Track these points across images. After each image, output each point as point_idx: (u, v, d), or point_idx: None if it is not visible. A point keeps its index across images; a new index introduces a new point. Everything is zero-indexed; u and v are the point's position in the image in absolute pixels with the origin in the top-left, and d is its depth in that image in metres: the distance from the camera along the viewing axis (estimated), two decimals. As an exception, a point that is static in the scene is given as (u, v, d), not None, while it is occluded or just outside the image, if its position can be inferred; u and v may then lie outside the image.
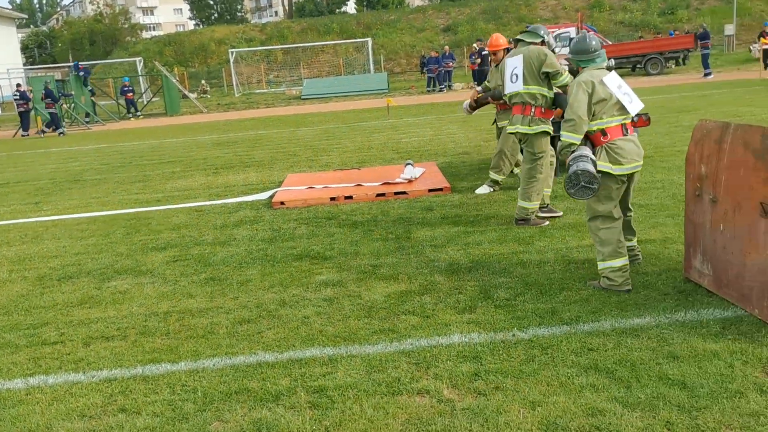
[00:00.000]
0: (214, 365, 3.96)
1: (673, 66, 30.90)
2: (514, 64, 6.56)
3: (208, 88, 41.90)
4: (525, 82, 6.41)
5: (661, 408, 3.13)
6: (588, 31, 28.41)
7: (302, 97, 33.88)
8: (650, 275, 4.89)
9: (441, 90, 30.85)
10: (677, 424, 3.00)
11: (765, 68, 25.41)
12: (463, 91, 29.30)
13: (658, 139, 11.06)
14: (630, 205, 5.03)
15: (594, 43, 4.82)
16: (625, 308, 4.33)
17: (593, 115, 4.65)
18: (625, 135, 4.67)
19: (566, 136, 4.68)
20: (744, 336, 3.78)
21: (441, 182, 8.70)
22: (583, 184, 4.44)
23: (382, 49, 44.67)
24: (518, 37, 6.75)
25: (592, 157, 4.55)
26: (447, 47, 33.21)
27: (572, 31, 30.20)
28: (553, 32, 31.03)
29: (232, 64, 40.17)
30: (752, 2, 42.53)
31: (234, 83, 40.11)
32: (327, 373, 3.75)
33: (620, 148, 4.61)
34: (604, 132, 4.66)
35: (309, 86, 34.92)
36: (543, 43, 6.61)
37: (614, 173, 4.61)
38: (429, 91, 31.11)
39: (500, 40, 8.00)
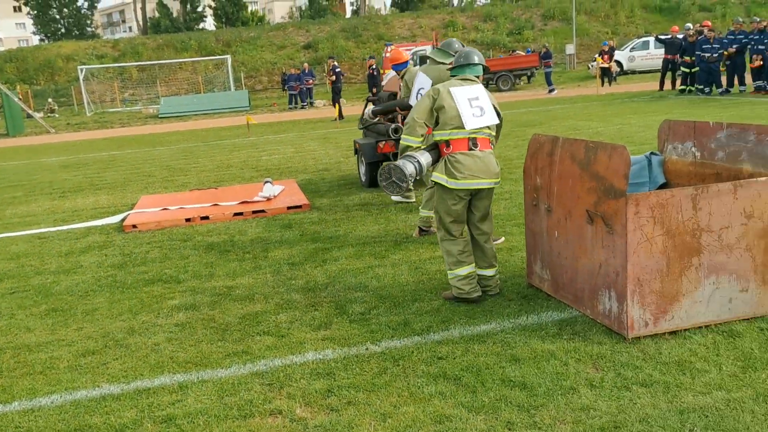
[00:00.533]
0: (52, 402, 3.71)
1: (522, 83, 32.76)
2: (422, 83, 6.42)
3: (56, 107, 39.43)
4: None
5: (503, 409, 3.28)
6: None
7: (160, 115, 32.72)
8: (497, 282, 5.12)
9: (303, 107, 30.88)
10: (517, 423, 3.16)
11: (602, 85, 27.55)
12: (324, 108, 29.48)
13: (507, 152, 11.67)
14: (482, 227, 4.80)
15: (473, 56, 4.80)
16: (473, 316, 4.51)
17: (439, 124, 4.67)
18: (471, 150, 4.61)
19: (403, 139, 4.81)
20: (578, 335, 4.05)
21: (300, 199, 8.69)
22: (393, 179, 4.55)
23: (242, 66, 44.05)
24: (428, 54, 6.73)
25: (422, 161, 4.62)
26: (306, 64, 33.24)
27: (428, 49, 31.37)
28: (409, 50, 32.16)
29: (82, 81, 38.07)
30: (590, 24, 45.96)
31: (85, 102, 38.02)
32: (176, 401, 3.62)
33: (459, 162, 4.57)
34: (448, 143, 4.65)
35: (167, 104, 33.79)
36: None
37: (448, 186, 4.60)
38: (291, 108, 31.04)
39: (403, 54, 8.10)
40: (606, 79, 28.03)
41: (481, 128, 4.64)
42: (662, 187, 5.08)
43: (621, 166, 3.82)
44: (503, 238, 6.28)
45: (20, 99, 32.68)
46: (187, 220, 8.04)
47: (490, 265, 4.84)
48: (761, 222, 3.97)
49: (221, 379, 3.85)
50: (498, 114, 4.82)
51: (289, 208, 8.35)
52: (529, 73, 31.85)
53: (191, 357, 4.18)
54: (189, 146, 18.07)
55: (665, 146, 5.13)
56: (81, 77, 38.05)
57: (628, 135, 12.49)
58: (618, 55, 33.17)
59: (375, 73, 25.49)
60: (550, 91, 27.27)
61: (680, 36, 20.79)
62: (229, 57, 40.01)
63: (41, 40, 65.20)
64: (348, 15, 65.09)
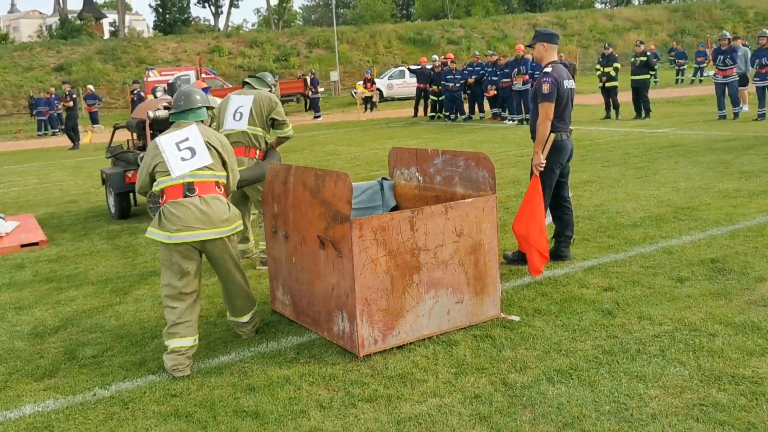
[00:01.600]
0: None
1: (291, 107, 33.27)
2: (241, 102, 6.13)
3: None
4: (250, 122, 5.99)
5: (233, 441, 3.26)
6: (207, 74, 28.69)
7: None
8: (241, 311, 5.10)
9: (54, 134, 28.48)
10: (245, 454, 3.16)
11: (364, 111, 28.92)
12: (82, 134, 27.42)
13: (267, 178, 11.71)
14: (228, 281, 4.38)
15: (196, 97, 4.34)
16: (213, 347, 4.44)
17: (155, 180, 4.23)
18: (186, 196, 4.07)
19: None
20: (314, 358, 4.16)
21: (37, 236, 7.97)
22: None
23: (-19, 88, 39.60)
24: (246, 80, 6.49)
25: None
26: (53, 89, 30.53)
27: (192, 75, 30.62)
28: (173, 74, 31.14)
29: None
30: (352, 53, 48.10)
31: None
32: None
33: (171, 213, 4.03)
34: (162, 193, 4.16)
35: None
36: (270, 91, 6.37)
37: (161, 240, 4.07)
38: (40, 135, 28.47)
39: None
40: (368, 106, 29.49)
41: (194, 171, 4.12)
42: (394, 209, 5.43)
43: (345, 192, 4.02)
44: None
45: None
46: None
47: (242, 313, 4.51)
48: (470, 239, 4.40)
49: None
50: (219, 153, 4.29)
51: (23, 245, 7.62)
52: (295, 99, 32.43)
53: None
54: None
55: (394, 171, 5.50)
56: None
57: (382, 159, 13.20)
58: (378, 83, 35.14)
59: (136, 98, 24.32)
60: (316, 116, 28.03)
61: (429, 66, 22.53)
62: (-37, 78, 35.67)
63: None
64: (107, 36, 61.38)
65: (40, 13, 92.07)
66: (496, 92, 19.20)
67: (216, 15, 66.19)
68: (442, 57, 22.66)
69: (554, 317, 4.54)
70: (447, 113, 20.86)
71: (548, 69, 5.49)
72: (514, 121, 18.29)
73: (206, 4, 65.99)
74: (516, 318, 4.54)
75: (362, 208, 5.36)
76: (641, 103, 16.80)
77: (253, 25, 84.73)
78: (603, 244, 6.15)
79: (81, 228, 8.69)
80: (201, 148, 4.20)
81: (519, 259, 5.69)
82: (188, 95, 4.37)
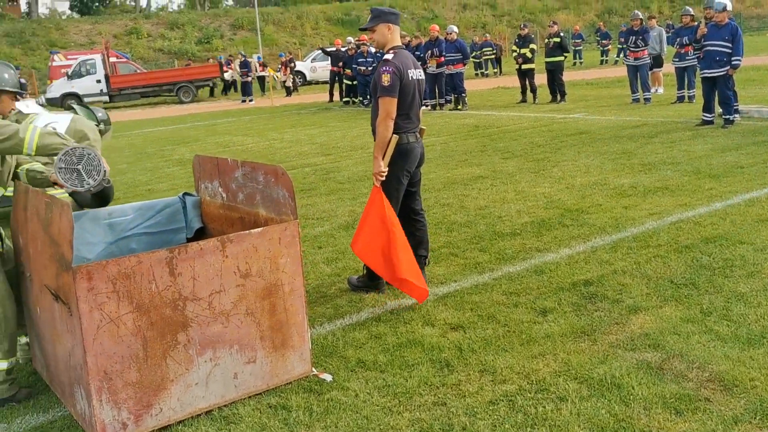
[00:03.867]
0: None
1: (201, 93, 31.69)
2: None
3: None
4: None
5: None
6: (118, 58, 26.83)
7: None
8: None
9: None
10: None
11: (286, 95, 27.61)
12: None
13: (138, 176, 10.48)
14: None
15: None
16: None
17: None
18: None
19: None
20: (41, 451, 3.11)
21: None
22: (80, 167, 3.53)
23: None
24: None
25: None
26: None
27: (98, 59, 28.65)
28: (75, 59, 29.12)
29: None
30: (278, 35, 46.43)
31: None
32: None
33: None
34: None
35: None
36: None
37: None
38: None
39: None
40: (288, 91, 28.20)
41: None
42: (199, 232, 4.38)
43: (67, 229, 2.95)
44: None
45: None
46: None
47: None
48: (261, 280, 3.39)
49: None
50: None
51: None
52: (211, 84, 30.81)
53: None
54: None
55: (200, 185, 4.44)
56: None
57: (274, 151, 12.08)
58: (301, 66, 33.78)
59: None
60: (245, 101, 26.67)
61: (344, 49, 21.38)
62: None
63: None
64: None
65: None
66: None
67: (138, -5, 63.19)
68: (356, 39, 21.52)
69: (379, 373, 3.58)
70: (360, 98, 19.82)
71: (389, 56, 4.48)
72: (427, 106, 17.37)
73: (127, -16, 62.93)
74: (328, 377, 3.56)
75: (158, 232, 4.28)
76: (556, 86, 16.10)
77: (179, 6, 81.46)
78: (470, 261, 5.24)
79: None
80: None
81: (366, 285, 4.74)
82: None
